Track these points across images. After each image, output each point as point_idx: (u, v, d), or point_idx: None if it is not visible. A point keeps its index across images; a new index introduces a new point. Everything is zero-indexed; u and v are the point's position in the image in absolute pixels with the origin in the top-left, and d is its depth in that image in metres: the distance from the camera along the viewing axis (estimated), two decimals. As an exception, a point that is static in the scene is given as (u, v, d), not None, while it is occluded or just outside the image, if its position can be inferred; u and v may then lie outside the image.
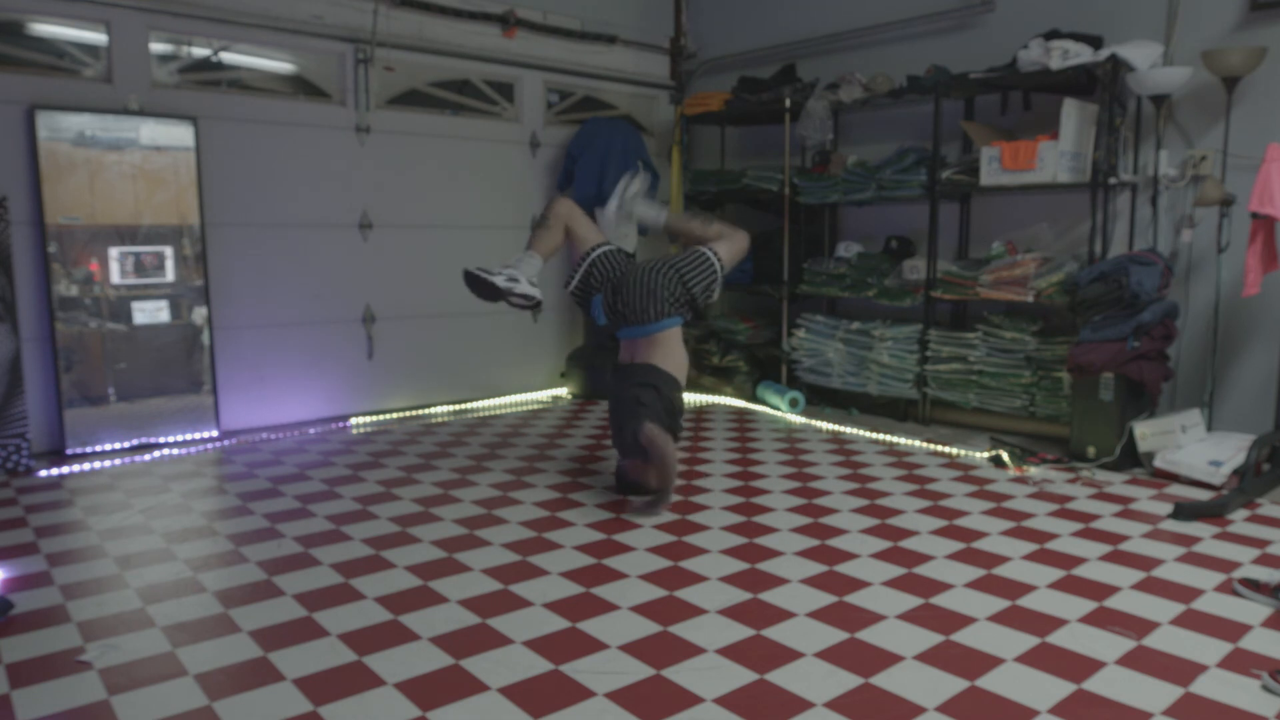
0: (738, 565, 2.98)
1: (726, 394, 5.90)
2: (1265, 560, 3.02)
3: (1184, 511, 3.45)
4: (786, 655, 2.36)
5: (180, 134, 4.58)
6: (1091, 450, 4.19)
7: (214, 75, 4.85)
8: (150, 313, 4.56)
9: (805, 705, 2.11)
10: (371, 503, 3.69)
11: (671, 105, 6.77)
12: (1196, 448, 3.96)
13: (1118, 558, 3.05)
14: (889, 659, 2.33)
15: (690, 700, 2.14)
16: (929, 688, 2.19)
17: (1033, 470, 4.11)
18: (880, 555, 3.07)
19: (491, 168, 5.86)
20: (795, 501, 3.68)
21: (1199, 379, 4.40)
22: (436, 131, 5.60)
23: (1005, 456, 4.23)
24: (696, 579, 2.87)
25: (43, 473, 4.11)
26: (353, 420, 5.27)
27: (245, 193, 4.88)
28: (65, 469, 4.17)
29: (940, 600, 2.70)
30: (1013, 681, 2.22)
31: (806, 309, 5.77)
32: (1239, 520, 3.45)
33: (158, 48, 4.63)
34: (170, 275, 4.60)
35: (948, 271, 4.90)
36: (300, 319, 5.15)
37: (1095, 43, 4.43)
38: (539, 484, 3.96)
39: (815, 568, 2.96)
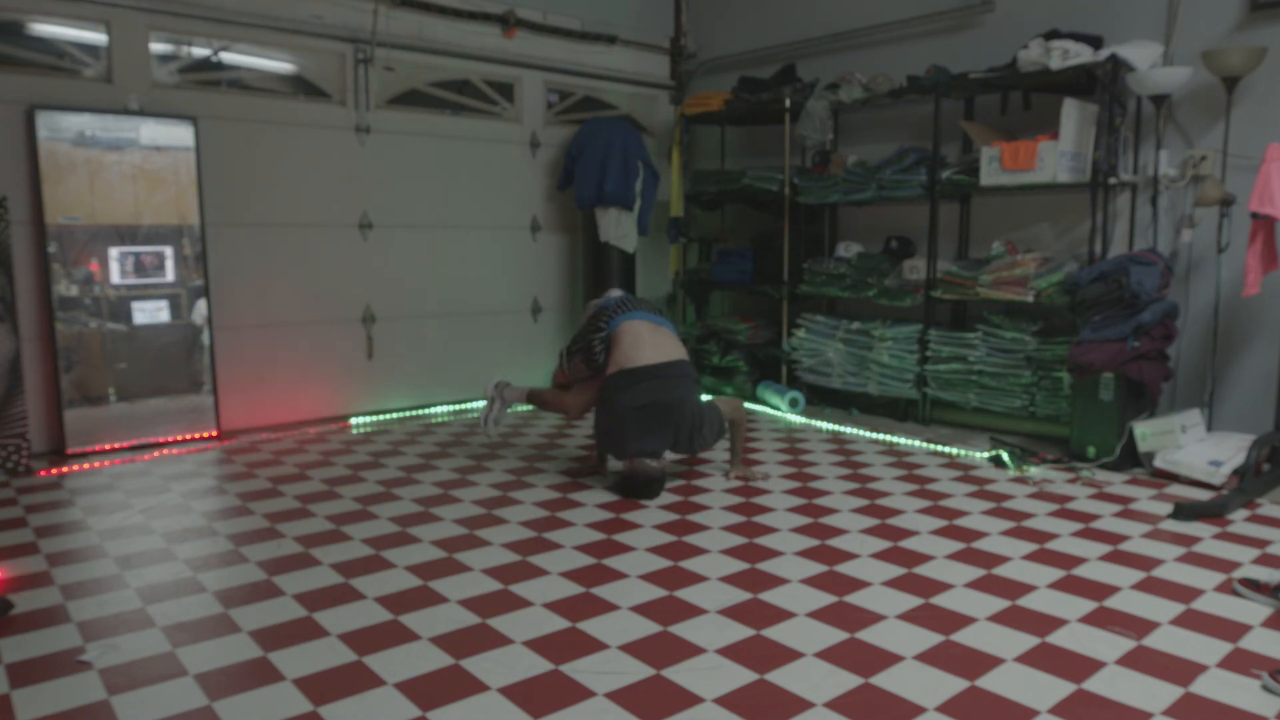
0: (738, 565, 2.98)
1: (727, 394, 5.90)
2: (1265, 560, 3.02)
3: (1184, 511, 3.45)
4: (786, 655, 2.36)
5: (180, 134, 4.58)
6: (1091, 450, 4.19)
7: (214, 75, 4.84)
8: (150, 313, 4.56)
9: (805, 705, 2.11)
10: (371, 503, 3.69)
11: (671, 105, 6.77)
12: (1196, 448, 3.96)
13: (1118, 558, 3.05)
14: (889, 659, 2.33)
15: (690, 700, 2.14)
16: (929, 688, 2.19)
17: (1033, 470, 4.11)
18: (880, 555, 3.07)
19: (491, 168, 5.86)
20: (795, 501, 3.68)
21: (1199, 379, 4.40)
22: (436, 131, 5.60)
23: (1005, 456, 4.23)
24: (696, 579, 2.87)
25: (43, 473, 4.11)
26: (353, 420, 5.27)
27: (245, 193, 4.88)
28: (65, 469, 4.17)
29: (940, 600, 2.70)
30: (1013, 681, 2.22)
31: (806, 309, 5.77)
32: (1239, 520, 3.44)
33: (158, 48, 4.63)
34: (170, 275, 4.60)
35: (948, 271, 4.90)
36: (300, 319, 5.15)
37: (1095, 43, 4.43)
38: (539, 484, 3.96)
39: (815, 568, 2.96)
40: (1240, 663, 2.31)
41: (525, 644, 2.43)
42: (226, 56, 4.87)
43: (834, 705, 2.11)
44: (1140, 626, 2.52)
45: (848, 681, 2.22)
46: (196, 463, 4.33)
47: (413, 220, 5.54)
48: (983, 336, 4.78)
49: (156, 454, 4.45)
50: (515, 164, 5.99)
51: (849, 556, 3.06)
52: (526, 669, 2.29)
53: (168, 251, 4.59)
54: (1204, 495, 3.72)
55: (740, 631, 2.49)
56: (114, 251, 4.43)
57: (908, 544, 3.18)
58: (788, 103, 5.53)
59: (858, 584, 2.83)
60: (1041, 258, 4.63)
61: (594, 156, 5.73)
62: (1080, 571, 2.93)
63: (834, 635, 2.47)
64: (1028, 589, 2.78)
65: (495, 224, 5.92)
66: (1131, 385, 4.13)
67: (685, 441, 3.72)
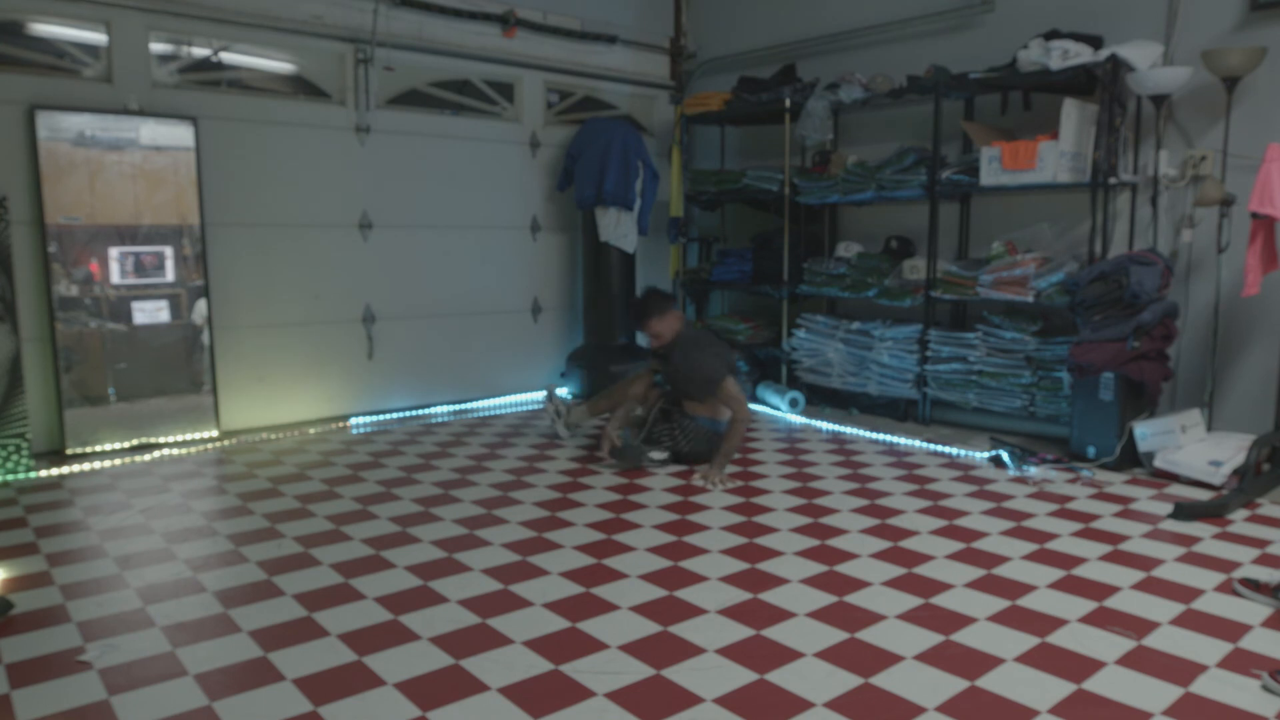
0: (738, 565, 2.99)
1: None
2: (1265, 560, 3.02)
3: (1184, 511, 3.45)
4: (786, 655, 2.36)
5: (180, 134, 4.58)
6: (1091, 450, 4.19)
7: (214, 75, 4.84)
8: (150, 312, 4.56)
9: (805, 705, 2.11)
10: (371, 503, 3.69)
11: (671, 105, 6.77)
12: (1196, 448, 3.96)
13: (1118, 558, 3.05)
14: (889, 659, 2.33)
15: (690, 700, 2.14)
16: (929, 688, 2.19)
17: (1033, 470, 4.11)
18: (880, 555, 3.07)
19: (491, 168, 5.86)
20: (795, 501, 3.68)
21: (1199, 379, 4.40)
22: (436, 131, 5.60)
23: (1005, 456, 4.23)
24: (696, 579, 2.87)
25: (43, 473, 4.11)
26: (353, 420, 5.27)
27: (245, 193, 4.88)
28: (65, 469, 4.17)
29: (940, 600, 2.70)
30: (1013, 681, 2.22)
31: (806, 309, 5.77)
32: (1239, 520, 3.45)
33: (158, 48, 4.63)
34: (170, 275, 4.60)
35: (948, 271, 4.90)
36: (300, 319, 5.14)
37: (1095, 43, 4.43)
38: (539, 484, 3.96)
39: (815, 568, 2.96)
40: (1240, 663, 2.31)
41: (525, 644, 2.43)
42: (226, 56, 4.87)
43: (834, 705, 2.11)
44: (1140, 626, 2.52)
45: (848, 681, 2.22)
46: (196, 463, 4.33)
47: (413, 220, 5.54)
48: (983, 336, 4.78)
49: (156, 454, 4.45)
50: (515, 164, 5.98)
51: (849, 556, 3.06)
52: (526, 669, 2.29)
53: (168, 251, 4.59)
54: (1204, 495, 3.72)
55: (740, 631, 2.49)
56: (114, 251, 4.43)
57: (908, 544, 3.19)
58: (788, 103, 5.53)
59: (858, 584, 2.83)
60: (1041, 258, 4.63)
61: (594, 157, 5.73)
62: (1080, 571, 2.93)
63: (834, 635, 2.47)
64: (1028, 589, 2.79)
65: (495, 224, 5.92)
66: (1131, 385, 4.13)
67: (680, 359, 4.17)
